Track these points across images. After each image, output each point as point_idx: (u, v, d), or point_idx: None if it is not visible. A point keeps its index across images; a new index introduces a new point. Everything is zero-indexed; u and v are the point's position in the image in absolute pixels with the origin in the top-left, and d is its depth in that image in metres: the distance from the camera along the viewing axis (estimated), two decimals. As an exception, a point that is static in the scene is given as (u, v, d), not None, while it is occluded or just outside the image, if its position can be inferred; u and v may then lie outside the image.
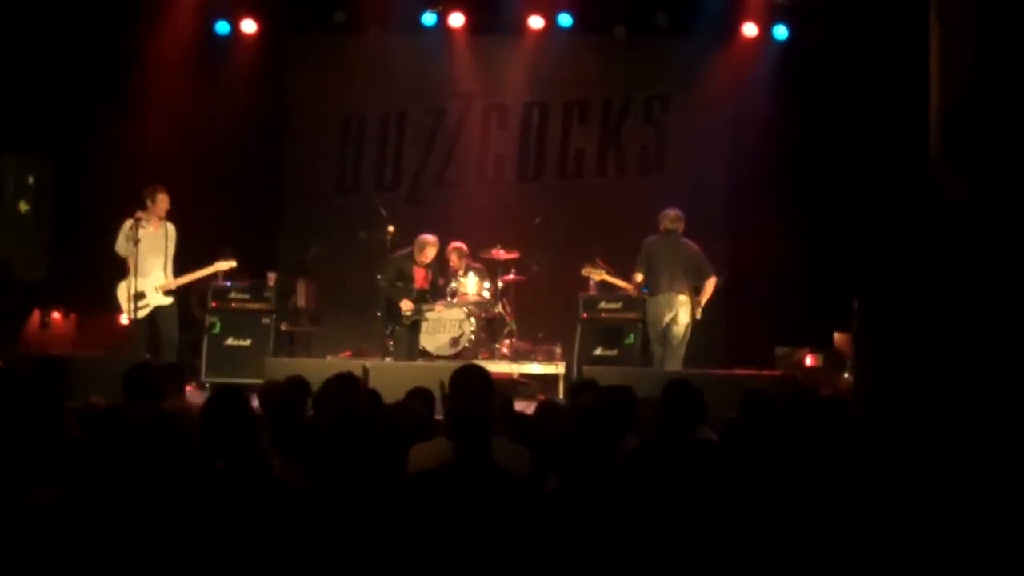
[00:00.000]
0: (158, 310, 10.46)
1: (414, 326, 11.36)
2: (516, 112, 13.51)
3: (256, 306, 11.68)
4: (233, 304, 11.70)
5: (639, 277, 10.69)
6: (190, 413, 5.56)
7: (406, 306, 11.22)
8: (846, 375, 10.32)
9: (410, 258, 11.43)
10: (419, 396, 6.53)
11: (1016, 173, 9.17)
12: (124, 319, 10.45)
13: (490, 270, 11.73)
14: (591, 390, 6.13)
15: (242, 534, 3.56)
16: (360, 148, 13.79)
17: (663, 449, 3.82)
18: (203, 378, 11.29)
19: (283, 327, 11.89)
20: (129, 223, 10.25)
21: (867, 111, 11.18)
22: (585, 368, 10.63)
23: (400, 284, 11.41)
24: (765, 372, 10.40)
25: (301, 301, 12.48)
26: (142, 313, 10.36)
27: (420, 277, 11.51)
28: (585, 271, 11.18)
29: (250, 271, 11.85)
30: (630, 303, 11.40)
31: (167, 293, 10.51)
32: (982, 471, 4.14)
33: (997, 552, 3.16)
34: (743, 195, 12.41)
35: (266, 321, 11.63)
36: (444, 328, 11.40)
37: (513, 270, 11.74)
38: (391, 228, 11.68)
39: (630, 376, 9.63)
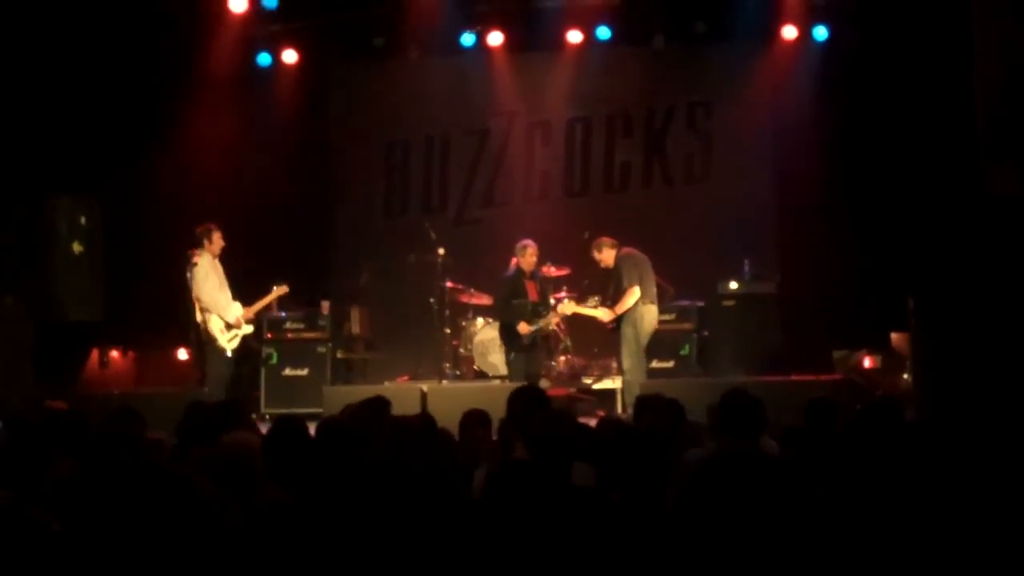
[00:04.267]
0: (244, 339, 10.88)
1: (532, 346, 11.24)
2: (559, 128, 13.53)
3: (311, 335, 11.78)
4: (289, 334, 11.80)
5: (636, 291, 10.52)
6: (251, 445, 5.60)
7: (523, 329, 11.02)
8: (905, 376, 10.23)
9: (519, 273, 11.29)
10: (475, 418, 6.54)
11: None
12: (184, 354, 10.63)
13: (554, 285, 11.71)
14: (653, 405, 6.09)
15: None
16: (406, 172, 13.86)
17: (726, 463, 3.78)
18: (263, 410, 11.37)
19: (339, 355, 11.95)
20: (203, 261, 10.55)
21: (912, 107, 11.11)
22: (642, 382, 10.59)
23: (516, 302, 11.20)
24: (823, 377, 10.34)
25: (355, 328, 12.53)
26: (235, 343, 10.72)
27: (532, 291, 11.37)
28: (561, 308, 11.10)
29: (303, 301, 11.94)
30: (683, 314, 11.38)
31: (248, 323, 10.85)
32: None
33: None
34: (791, 199, 12.32)
35: (322, 350, 11.71)
36: (498, 348, 11.41)
37: (565, 287, 11.72)
38: (441, 251, 11.71)
39: (688, 387, 9.63)
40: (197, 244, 10.62)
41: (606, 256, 10.73)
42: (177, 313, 10.82)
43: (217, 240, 10.66)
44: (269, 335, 11.73)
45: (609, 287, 10.81)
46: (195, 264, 10.53)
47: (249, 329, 10.91)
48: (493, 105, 13.51)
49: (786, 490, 3.28)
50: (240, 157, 12.73)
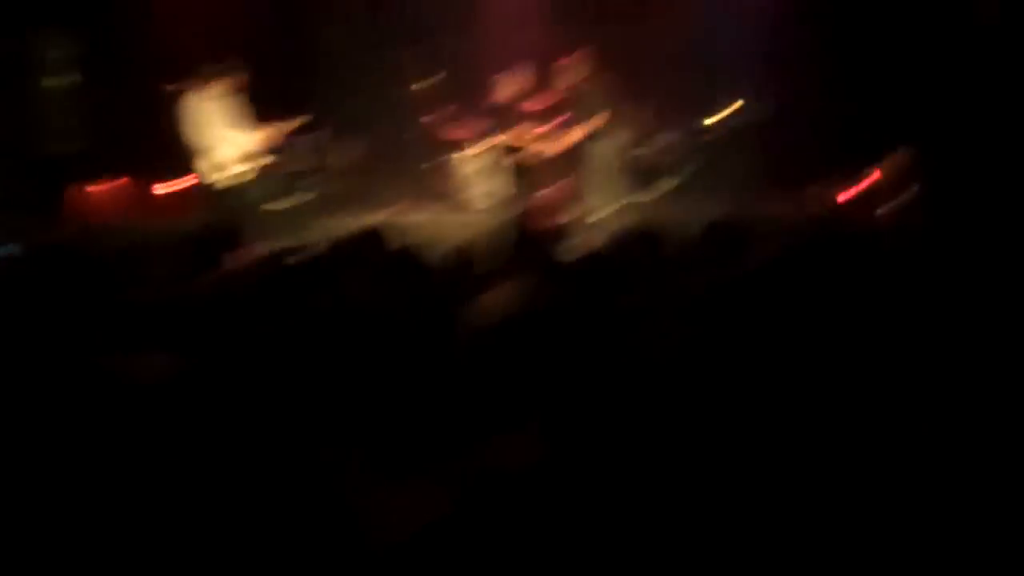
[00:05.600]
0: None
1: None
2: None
3: (296, 167, 11.74)
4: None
5: (600, 120, 10.69)
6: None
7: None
8: (880, 210, 10.32)
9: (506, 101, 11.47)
10: (459, 253, 6.63)
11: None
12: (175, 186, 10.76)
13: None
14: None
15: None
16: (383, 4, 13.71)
17: (714, 288, 3.93)
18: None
19: (324, 187, 11.96)
20: (220, 96, 10.63)
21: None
22: (628, 213, 10.72)
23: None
24: (804, 209, 10.47)
25: (340, 160, 12.52)
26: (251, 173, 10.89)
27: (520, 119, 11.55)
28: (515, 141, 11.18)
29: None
30: (667, 146, 11.44)
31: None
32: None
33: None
34: (778, 31, 12.20)
35: (307, 182, 11.69)
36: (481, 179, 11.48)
37: (564, 112, 11.64)
38: (424, 83, 11.64)
39: (672, 217, 9.74)
40: (210, 79, 10.69)
41: (567, 82, 10.77)
42: (168, 145, 10.79)
43: (226, 82, 10.73)
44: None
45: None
46: (203, 97, 10.61)
47: (266, 159, 11.01)
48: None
49: (769, 314, 3.44)
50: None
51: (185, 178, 10.82)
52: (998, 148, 8.62)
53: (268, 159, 11.69)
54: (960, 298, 4.40)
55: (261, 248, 10.07)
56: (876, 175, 10.63)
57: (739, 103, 11.55)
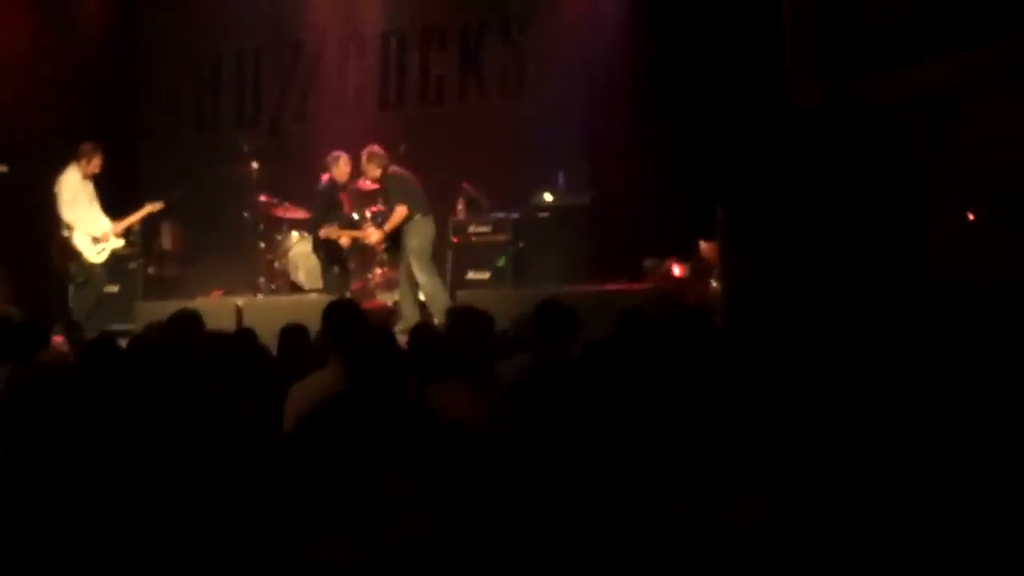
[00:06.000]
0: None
1: (348, 259, 11.31)
2: (373, 41, 13.41)
3: (122, 251, 11.50)
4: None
5: (404, 210, 10.64)
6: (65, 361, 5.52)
7: (336, 235, 11.03)
8: (713, 283, 10.52)
9: (332, 186, 11.27)
10: (293, 333, 6.54)
11: (869, 78, 9.38)
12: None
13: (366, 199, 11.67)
14: (465, 316, 6.17)
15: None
16: (217, 85, 13.62)
17: (540, 369, 3.89)
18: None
19: (151, 271, 11.74)
20: (77, 180, 10.71)
21: (723, 20, 11.28)
22: (458, 292, 10.72)
23: (331, 215, 11.24)
24: (635, 285, 10.60)
25: (167, 244, 12.33)
26: (103, 256, 10.89)
27: (347, 203, 11.40)
28: (323, 232, 11.15)
29: (111, 215, 11.66)
30: (499, 226, 11.47)
31: (117, 236, 11.02)
32: (844, 374, 4.29)
33: (856, 447, 3.28)
34: (604, 111, 12.44)
35: (133, 266, 11.49)
36: (313, 261, 11.36)
37: (380, 200, 11.70)
38: (255, 164, 11.56)
39: (503, 298, 9.77)
40: (72, 158, 10.66)
41: (372, 172, 10.80)
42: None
43: (95, 162, 10.76)
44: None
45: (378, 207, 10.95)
46: (62, 179, 10.57)
47: (120, 243, 10.96)
48: (306, 17, 13.33)
49: (596, 394, 3.40)
50: (45, 68, 12.29)
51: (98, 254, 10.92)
52: (817, 219, 8.87)
53: (104, 243, 11.47)
54: (790, 368, 4.45)
55: (79, 334, 9.87)
56: (706, 250, 10.83)
57: (564, 184, 11.68)
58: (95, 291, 10.80)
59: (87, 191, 10.81)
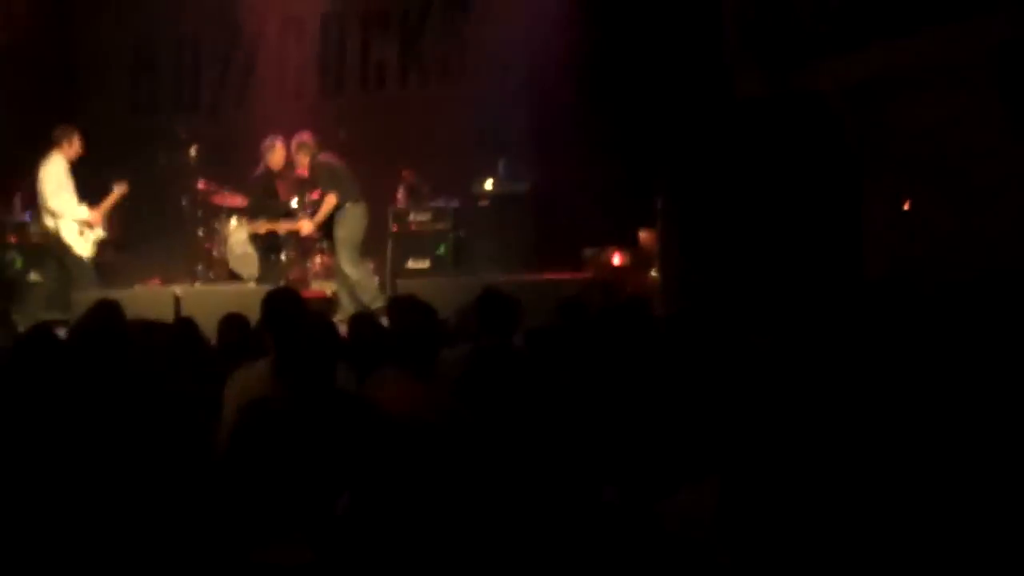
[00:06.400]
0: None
1: (285, 247, 11.29)
2: (314, 24, 13.31)
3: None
4: (34, 238, 11.36)
5: (333, 199, 10.60)
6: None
7: (273, 228, 11.06)
8: (653, 273, 10.57)
9: (269, 173, 11.23)
10: (233, 323, 6.50)
11: (807, 67, 9.45)
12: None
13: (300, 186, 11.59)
14: (407, 307, 6.16)
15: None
16: (155, 70, 13.49)
17: (482, 358, 3.90)
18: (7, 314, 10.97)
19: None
20: (62, 167, 10.62)
21: (664, 9, 11.31)
22: (399, 281, 10.70)
23: (267, 203, 11.23)
24: (575, 275, 10.64)
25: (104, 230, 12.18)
26: (90, 249, 10.89)
27: (283, 190, 11.34)
28: (251, 228, 11.17)
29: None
30: (439, 214, 11.45)
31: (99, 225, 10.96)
32: (784, 359, 4.34)
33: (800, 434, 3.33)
34: (546, 99, 12.45)
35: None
36: (251, 249, 11.28)
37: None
38: (193, 150, 11.47)
39: (443, 286, 9.77)
40: (53, 145, 10.57)
41: (301, 161, 10.75)
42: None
43: (76, 144, 10.68)
44: (12, 239, 11.29)
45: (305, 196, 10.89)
46: (46, 167, 10.49)
47: (101, 233, 10.87)
48: (244, 2, 13.20)
49: (536, 384, 3.42)
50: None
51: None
52: (758, 207, 8.95)
53: (24, 230, 11.33)
54: (729, 360, 4.49)
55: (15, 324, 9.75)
56: (646, 239, 10.88)
57: (505, 172, 11.68)
58: (84, 282, 10.70)
59: (70, 178, 10.73)
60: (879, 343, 3.70)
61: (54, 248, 10.76)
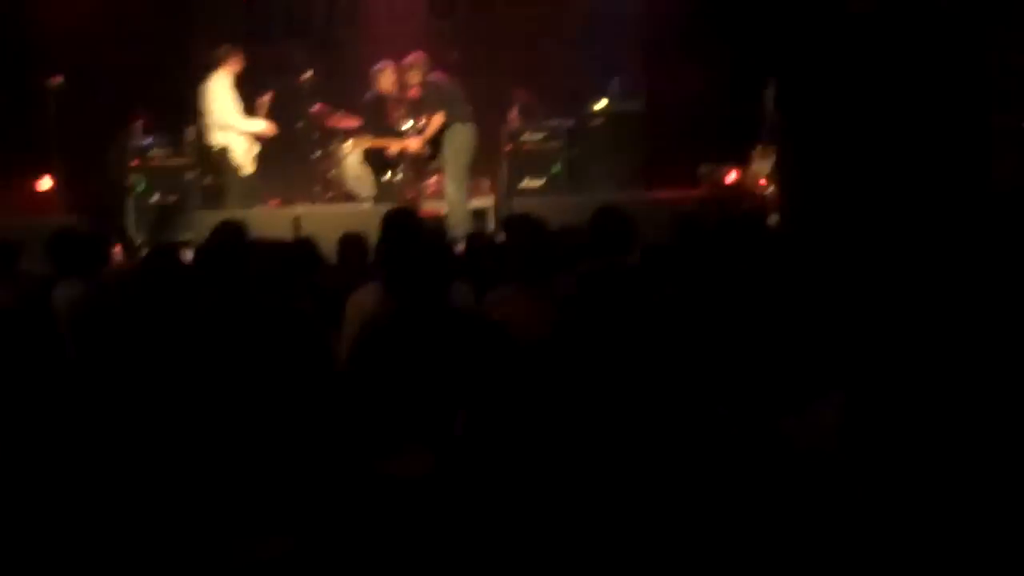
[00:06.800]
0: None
1: (401, 166, 11.31)
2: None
3: (178, 162, 11.57)
4: (155, 162, 11.57)
5: (441, 118, 10.56)
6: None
7: (394, 147, 11.09)
8: (770, 188, 10.44)
9: (380, 96, 11.25)
10: (351, 242, 6.58)
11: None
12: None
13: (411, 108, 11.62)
14: (521, 224, 6.18)
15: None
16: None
17: (597, 276, 3.89)
18: (130, 236, 11.21)
19: (207, 180, 11.79)
20: (227, 83, 10.86)
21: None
22: (515, 200, 10.72)
23: (380, 126, 11.26)
24: (690, 192, 10.56)
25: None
26: (252, 168, 11.12)
27: (394, 112, 11.37)
28: (353, 143, 11.20)
29: (167, 127, 11.71)
30: (553, 133, 11.42)
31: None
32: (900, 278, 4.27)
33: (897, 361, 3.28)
34: (659, 15, 12.26)
35: (190, 176, 11.53)
36: (368, 170, 11.37)
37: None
38: (307, 74, 11.56)
39: (558, 205, 9.77)
40: (217, 63, 10.83)
41: (412, 80, 10.74)
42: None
43: (239, 61, 10.90)
44: (135, 163, 11.50)
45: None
46: (212, 85, 10.72)
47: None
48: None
49: (657, 300, 3.42)
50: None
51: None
52: (872, 126, 8.77)
53: (146, 155, 11.53)
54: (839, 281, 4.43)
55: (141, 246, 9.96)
56: (759, 156, 10.74)
57: (619, 91, 11.58)
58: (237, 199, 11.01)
59: (236, 95, 10.93)
60: (1008, 256, 3.62)
61: (218, 163, 11.04)
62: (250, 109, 11.09)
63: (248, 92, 11.78)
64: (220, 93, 10.79)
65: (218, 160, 10.99)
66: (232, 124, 10.84)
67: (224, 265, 5.43)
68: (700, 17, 11.67)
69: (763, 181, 10.50)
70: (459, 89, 10.71)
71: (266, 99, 11.16)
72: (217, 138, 10.87)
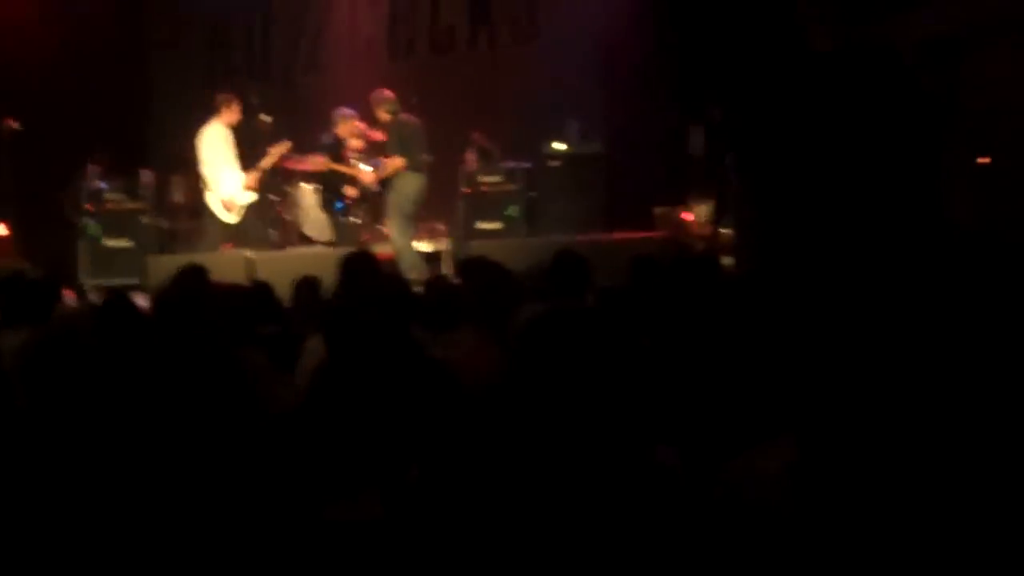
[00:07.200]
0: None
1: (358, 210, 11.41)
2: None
3: (133, 205, 11.52)
4: (109, 205, 11.51)
5: (400, 161, 10.58)
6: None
7: (350, 192, 11.23)
8: (723, 230, 10.47)
9: (338, 140, 11.34)
10: (306, 285, 6.54)
11: (880, 20, 9.32)
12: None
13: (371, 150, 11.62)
14: (478, 268, 6.17)
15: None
16: (228, 38, 13.56)
17: (555, 319, 3.88)
18: (80, 281, 11.14)
19: (162, 224, 11.75)
20: (221, 134, 10.82)
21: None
22: (472, 243, 10.72)
23: (339, 169, 11.31)
24: (647, 234, 10.59)
25: (178, 197, 12.31)
26: (236, 217, 11.16)
27: (350, 159, 11.40)
28: (309, 162, 11.34)
29: (123, 171, 11.66)
30: (510, 175, 11.44)
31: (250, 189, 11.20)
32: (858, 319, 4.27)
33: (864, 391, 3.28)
34: (617, 58, 12.36)
35: (145, 220, 11.48)
36: (324, 213, 11.36)
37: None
38: (265, 117, 11.55)
39: (514, 247, 9.77)
40: (213, 112, 10.76)
41: (382, 116, 10.78)
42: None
43: (235, 110, 10.85)
44: (89, 206, 11.43)
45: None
46: (204, 134, 10.71)
47: (253, 196, 11.08)
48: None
49: (611, 343, 3.39)
50: (53, 28, 12.25)
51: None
52: (828, 161, 8.84)
53: (100, 197, 11.48)
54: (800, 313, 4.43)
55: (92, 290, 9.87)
56: (715, 196, 10.79)
57: (577, 133, 11.62)
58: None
59: (231, 144, 10.91)
60: (966, 295, 3.63)
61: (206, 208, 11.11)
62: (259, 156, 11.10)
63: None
64: (207, 143, 10.74)
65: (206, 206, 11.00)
66: (207, 178, 10.86)
67: (183, 311, 5.38)
68: (658, 59, 11.76)
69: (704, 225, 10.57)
70: (423, 136, 10.70)
71: (280, 148, 11.11)
72: (208, 185, 10.85)
